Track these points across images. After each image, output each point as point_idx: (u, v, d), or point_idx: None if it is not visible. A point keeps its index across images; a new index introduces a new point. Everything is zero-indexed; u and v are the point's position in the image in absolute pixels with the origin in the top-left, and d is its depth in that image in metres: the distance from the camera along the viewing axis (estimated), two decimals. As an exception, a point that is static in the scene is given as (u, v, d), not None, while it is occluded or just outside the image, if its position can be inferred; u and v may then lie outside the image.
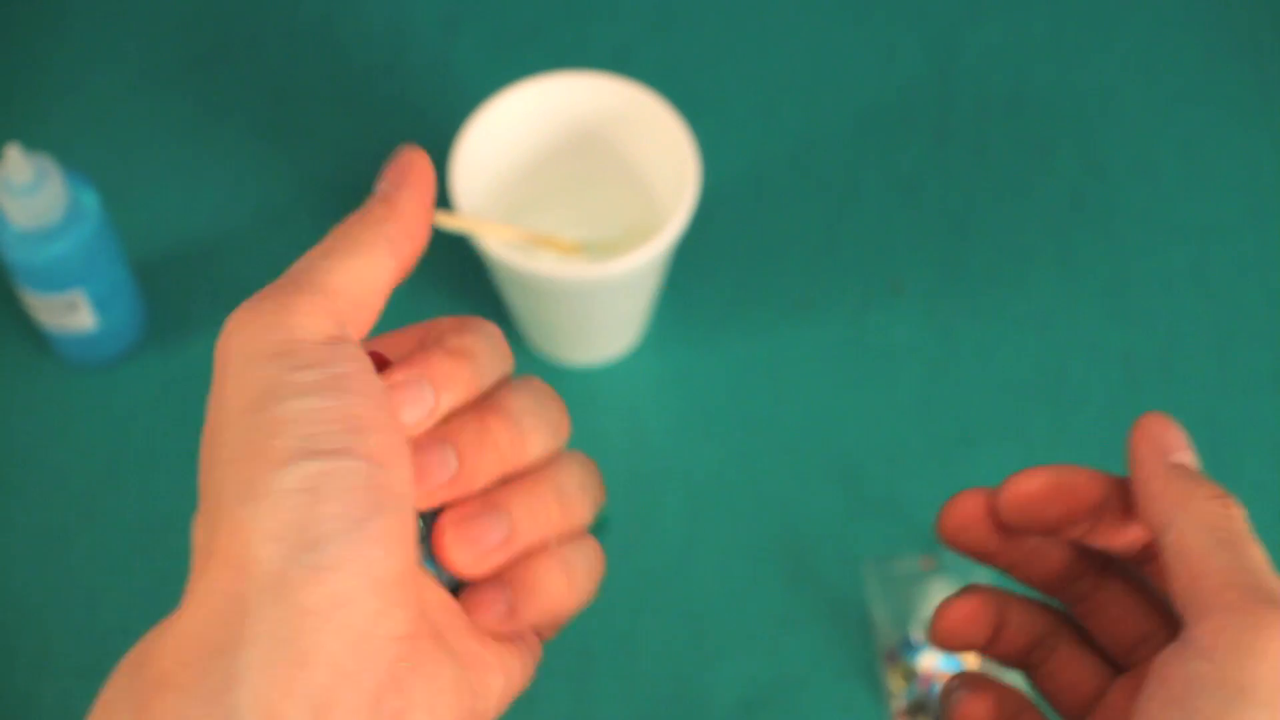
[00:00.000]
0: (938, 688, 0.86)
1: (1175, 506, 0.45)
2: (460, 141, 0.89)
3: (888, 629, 0.88)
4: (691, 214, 0.88)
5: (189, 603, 0.40)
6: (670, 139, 0.89)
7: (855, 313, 0.97)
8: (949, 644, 0.50)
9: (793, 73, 1.05)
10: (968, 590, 0.49)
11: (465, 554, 0.44)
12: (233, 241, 0.99)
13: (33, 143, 0.90)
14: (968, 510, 0.49)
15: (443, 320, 0.46)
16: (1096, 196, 1.01)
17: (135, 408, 0.95)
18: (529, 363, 0.95)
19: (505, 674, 0.44)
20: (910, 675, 0.87)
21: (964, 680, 0.49)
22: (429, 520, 0.45)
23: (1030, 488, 0.48)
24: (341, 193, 1.00)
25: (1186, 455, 0.46)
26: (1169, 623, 0.48)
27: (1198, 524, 0.44)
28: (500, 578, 0.44)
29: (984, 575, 0.85)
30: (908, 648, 0.87)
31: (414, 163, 0.46)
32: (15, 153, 0.85)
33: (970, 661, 0.85)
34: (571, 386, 0.94)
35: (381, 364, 0.45)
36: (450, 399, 0.44)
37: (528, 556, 0.45)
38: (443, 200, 0.89)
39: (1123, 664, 0.49)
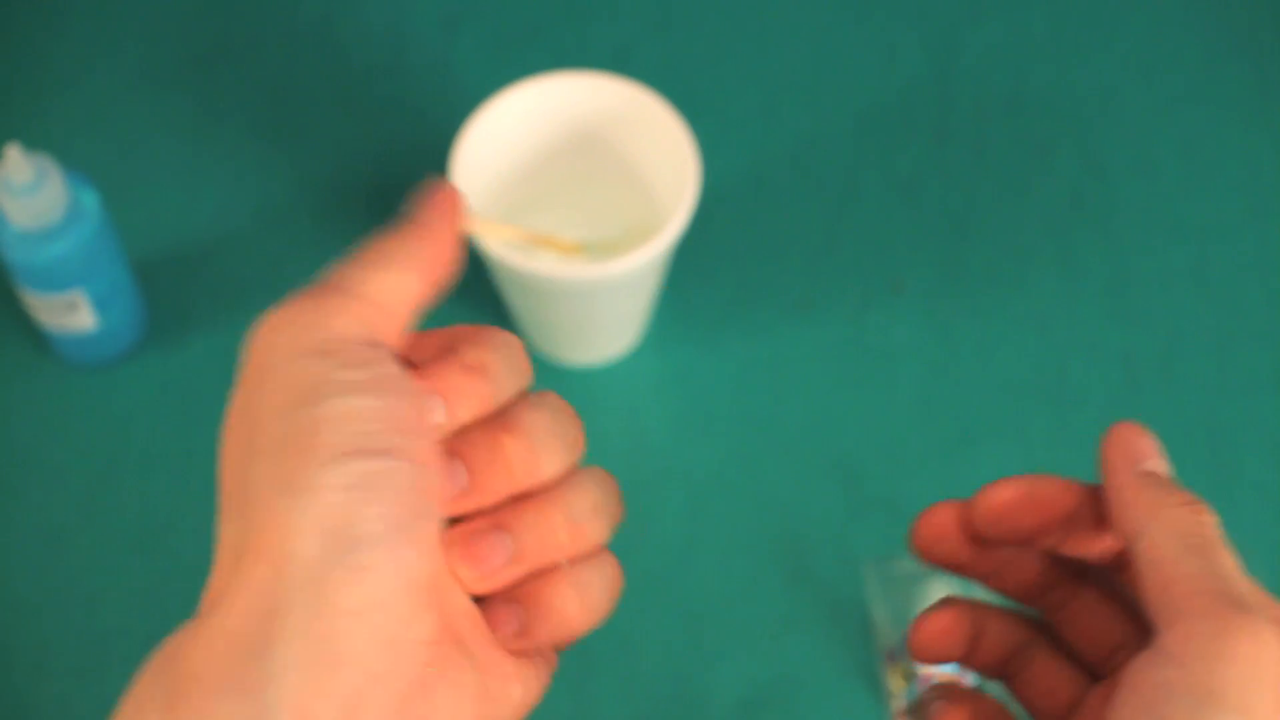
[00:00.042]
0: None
1: (1146, 514, 0.45)
2: (460, 141, 0.89)
3: (888, 629, 0.88)
4: (691, 214, 0.88)
5: (220, 599, 0.40)
6: (670, 139, 0.89)
7: (855, 313, 0.97)
8: (926, 657, 0.50)
9: (793, 73, 1.05)
10: (944, 603, 0.50)
11: (470, 572, 0.44)
12: (233, 241, 0.99)
13: (33, 142, 0.90)
14: (940, 523, 0.49)
15: (461, 328, 0.46)
16: (1096, 196, 1.01)
17: (135, 408, 0.94)
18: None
19: (523, 683, 0.44)
20: (910, 675, 0.87)
21: (940, 691, 0.50)
22: None
23: (1003, 498, 0.47)
24: (341, 193, 1.00)
25: (1158, 463, 0.46)
26: (1144, 630, 0.48)
27: (1168, 531, 0.44)
28: (512, 596, 0.44)
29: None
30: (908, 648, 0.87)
31: (447, 193, 0.47)
32: (15, 153, 0.85)
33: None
34: (571, 386, 0.94)
35: None
36: (463, 414, 0.44)
37: (540, 575, 0.45)
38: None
39: (1099, 672, 0.49)
